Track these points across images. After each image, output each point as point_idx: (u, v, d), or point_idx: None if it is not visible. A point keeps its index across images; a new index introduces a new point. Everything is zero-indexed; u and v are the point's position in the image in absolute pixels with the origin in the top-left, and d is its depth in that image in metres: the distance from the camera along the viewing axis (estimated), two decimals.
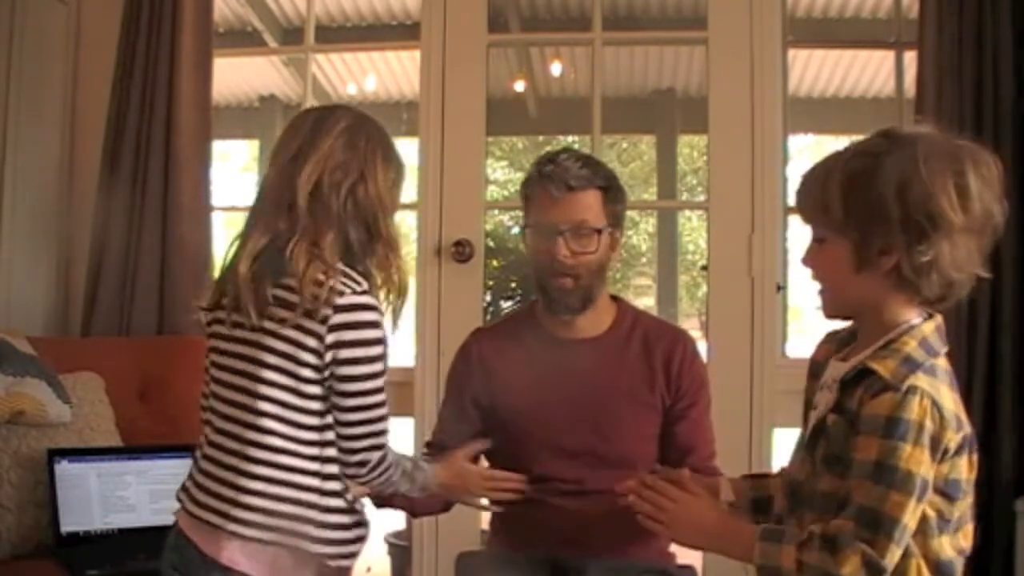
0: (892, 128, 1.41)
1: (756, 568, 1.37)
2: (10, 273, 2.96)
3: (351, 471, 1.55)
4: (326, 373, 1.50)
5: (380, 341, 1.52)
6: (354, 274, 1.53)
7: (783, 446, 2.83)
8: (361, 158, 1.55)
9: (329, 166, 1.53)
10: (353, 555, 1.58)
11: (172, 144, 2.93)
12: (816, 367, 1.56)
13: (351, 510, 1.57)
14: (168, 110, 2.93)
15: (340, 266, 1.52)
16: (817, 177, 1.40)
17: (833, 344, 1.56)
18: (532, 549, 1.95)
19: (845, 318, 1.50)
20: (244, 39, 5.04)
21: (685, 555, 2.13)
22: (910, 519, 1.30)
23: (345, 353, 1.49)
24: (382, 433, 1.56)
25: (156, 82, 2.94)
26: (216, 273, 1.63)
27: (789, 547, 1.34)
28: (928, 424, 1.30)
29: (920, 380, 1.32)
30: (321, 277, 1.49)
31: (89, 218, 2.97)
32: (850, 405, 1.37)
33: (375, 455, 1.55)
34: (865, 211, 1.34)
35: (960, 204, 1.33)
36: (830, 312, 1.49)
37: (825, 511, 1.36)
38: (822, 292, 1.47)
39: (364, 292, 1.52)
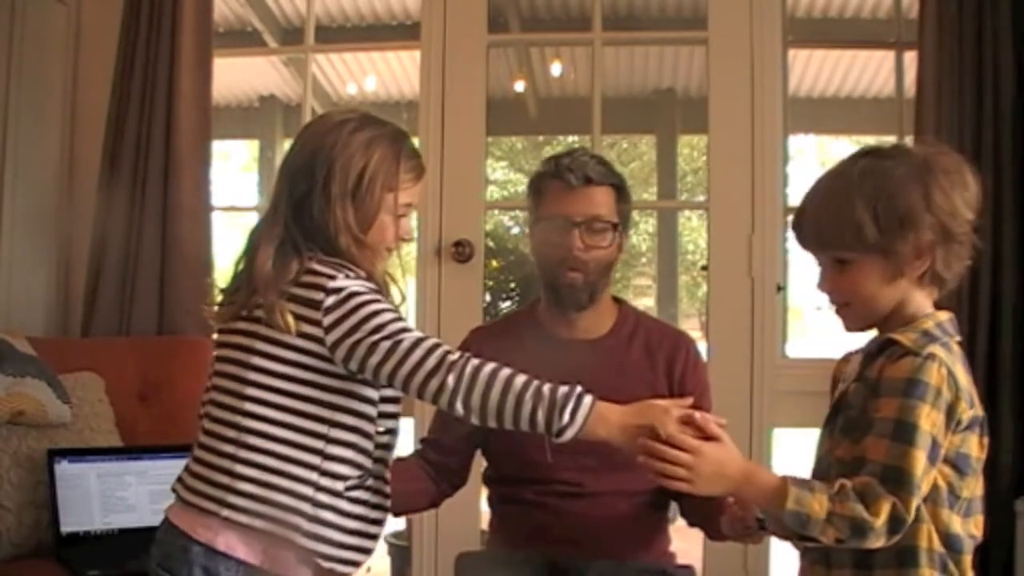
0: (871, 147, 1.51)
1: (785, 514, 1.36)
2: (10, 273, 2.96)
3: (450, 411, 1.46)
4: (337, 355, 1.48)
5: (370, 302, 1.49)
6: (339, 261, 1.53)
7: (783, 446, 2.84)
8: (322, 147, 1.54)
9: (294, 173, 1.56)
10: (349, 563, 1.54)
11: (172, 144, 2.93)
12: (836, 384, 1.60)
13: (354, 516, 1.54)
14: (168, 110, 2.93)
15: (328, 259, 1.52)
16: (836, 207, 1.46)
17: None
18: (532, 550, 1.95)
19: (872, 327, 1.54)
20: (244, 39, 5.03)
21: (685, 555, 2.14)
22: (925, 475, 1.35)
23: (344, 327, 1.47)
24: (423, 360, 1.44)
25: (156, 82, 2.94)
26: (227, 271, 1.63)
27: (821, 496, 1.36)
28: (944, 391, 1.37)
29: (938, 350, 1.40)
30: (315, 266, 1.50)
31: (89, 218, 2.97)
32: (870, 373, 1.44)
33: (433, 382, 1.44)
34: (897, 224, 1.42)
35: (967, 200, 1.45)
36: (859, 326, 1.53)
37: (842, 475, 1.39)
38: (847, 308, 1.51)
39: (347, 276, 1.51)
